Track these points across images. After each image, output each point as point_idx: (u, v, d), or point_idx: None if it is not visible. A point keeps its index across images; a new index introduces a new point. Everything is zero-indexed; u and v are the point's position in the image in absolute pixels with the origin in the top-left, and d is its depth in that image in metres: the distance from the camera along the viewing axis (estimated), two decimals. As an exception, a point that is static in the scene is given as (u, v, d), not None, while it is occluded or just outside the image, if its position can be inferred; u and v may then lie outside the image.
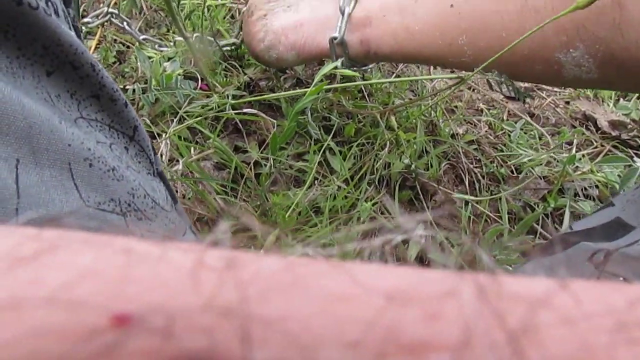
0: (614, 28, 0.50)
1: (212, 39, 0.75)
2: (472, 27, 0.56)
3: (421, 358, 0.10)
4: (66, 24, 0.33)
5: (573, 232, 0.45)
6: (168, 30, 0.83)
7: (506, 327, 0.11)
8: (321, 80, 0.61)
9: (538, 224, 0.70)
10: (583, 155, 0.79)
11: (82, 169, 0.30)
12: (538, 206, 0.72)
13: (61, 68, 0.31)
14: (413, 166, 0.70)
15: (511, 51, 0.55)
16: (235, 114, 0.69)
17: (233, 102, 0.68)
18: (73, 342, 0.10)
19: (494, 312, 0.11)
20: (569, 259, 0.42)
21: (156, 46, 0.78)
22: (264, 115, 0.68)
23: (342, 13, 0.63)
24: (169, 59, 0.75)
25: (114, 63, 0.77)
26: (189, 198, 0.63)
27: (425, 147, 0.74)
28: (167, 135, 0.69)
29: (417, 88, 0.82)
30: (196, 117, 0.69)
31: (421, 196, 0.71)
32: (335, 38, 0.63)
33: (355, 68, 0.68)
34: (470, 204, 0.71)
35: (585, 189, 0.76)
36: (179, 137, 0.68)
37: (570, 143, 0.82)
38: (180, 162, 0.65)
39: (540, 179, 0.76)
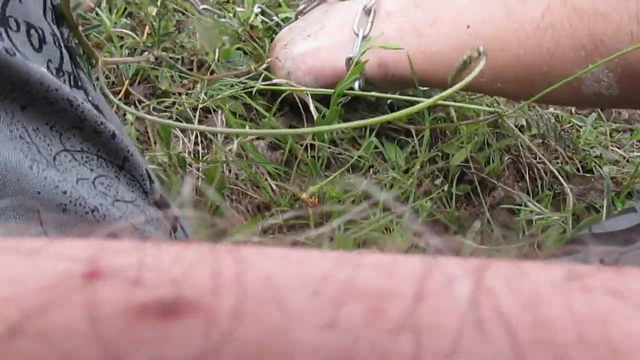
0: (632, 42, 0.49)
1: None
2: (488, 47, 0.54)
3: (379, 304, 0.11)
4: (43, 58, 0.32)
5: (592, 234, 0.45)
6: (228, 1, 0.81)
7: (461, 285, 0.11)
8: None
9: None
10: (656, 157, 0.75)
11: (53, 215, 0.29)
12: (603, 208, 0.68)
13: (34, 103, 0.30)
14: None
15: (528, 70, 0.56)
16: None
17: (281, 88, 0.66)
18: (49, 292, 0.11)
19: (447, 276, 0.12)
20: (582, 260, 0.41)
21: (215, 16, 0.76)
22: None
23: (357, 35, 0.64)
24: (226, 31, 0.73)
25: (172, 32, 0.76)
26: (242, 180, 0.62)
27: (487, 140, 0.71)
28: (221, 110, 0.68)
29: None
30: (250, 93, 0.68)
31: (479, 191, 0.68)
32: (350, 58, 0.64)
33: (373, 93, 0.67)
34: (531, 201, 0.68)
35: (656, 192, 0.71)
36: (234, 114, 0.67)
37: (643, 142, 0.77)
38: (235, 141, 0.64)
39: (609, 179, 0.72)
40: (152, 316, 0.11)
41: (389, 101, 0.71)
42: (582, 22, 0.51)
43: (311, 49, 0.67)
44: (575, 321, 0.11)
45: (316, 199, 0.60)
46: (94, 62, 0.42)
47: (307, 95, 0.63)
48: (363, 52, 0.62)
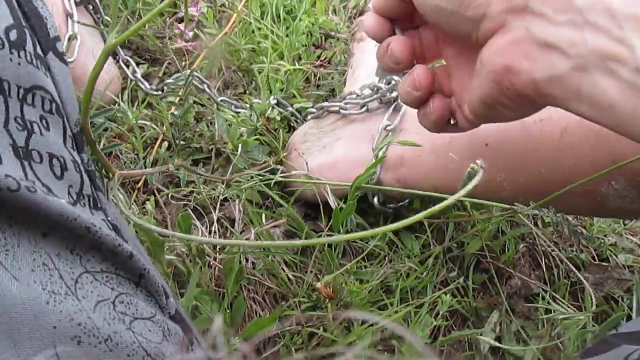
0: None
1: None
2: (508, 165, 0.55)
3: None
4: (65, 184, 0.35)
5: (618, 334, 0.44)
6: (245, 92, 0.85)
7: None
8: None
9: (623, 320, 0.65)
10: (671, 245, 0.75)
11: (69, 349, 0.30)
12: (623, 299, 0.67)
13: (55, 229, 0.32)
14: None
15: (549, 184, 0.55)
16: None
17: (295, 180, 0.67)
18: None
19: None
20: None
21: (232, 107, 0.79)
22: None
23: (376, 157, 0.64)
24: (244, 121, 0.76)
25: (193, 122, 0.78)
26: (259, 269, 0.62)
27: (500, 227, 0.71)
28: (238, 199, 0.69)
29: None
30: (266, 183, 0.69)
31: (496, 279, 0.68)
32: (372, 179, 0.64)
33: (391, 206, 0.68)
34: (548, 290, 0.68)
35: (674, 281, 0.71)
36: (250, 202, 0.68)
37: (657, 229, 0.77)
38: (253, 231, 0.65)
39: (625, 268, 0.71)
40: None
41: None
42: (601, 142, 0.51)
43: (327, 162, 0.67)
44: None
45: (331, 289, 0.60)
46: (111, 175, 0.44)
47: (326, 188, 0.64)
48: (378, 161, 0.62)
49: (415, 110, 0.48)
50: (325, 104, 0.72)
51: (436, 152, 0.61)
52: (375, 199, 0.66)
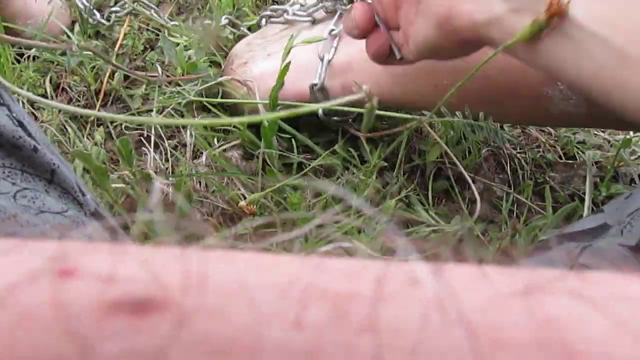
0: None
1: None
2: (456, 68, 0.54)
3: (342, 306, 0.11)
4: None
5: (564, 234, 0.46)
6: (200, 15, 0.82)
7: (423, 287, 0.12)
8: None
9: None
10: (641, 138, 0.72)
11: None
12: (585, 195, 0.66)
13: None
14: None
15: (496, 88, 0.56)
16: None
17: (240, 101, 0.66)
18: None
19: (410, 278, 0.12)
20: (551, 258, 0.43)
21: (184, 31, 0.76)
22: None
23: (322, 60, 0.62)
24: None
25: (144, 51, 0.76)
26: (213, 192, 0.62)
27: (463, 132, 0.69)
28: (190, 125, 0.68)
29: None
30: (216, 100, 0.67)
31: (457, 186, 0.67)
32: (315, 84, 0.62)
33: (335, 119, 0.66)
34: (512, 193, 0.67)
35: (644, 175, 0.69)
36: (205, 128, 0.67)
37: (627, 124, 0.75)
38: (204, 153, 0.64)
39: (593, 165, 0.70)
40: (124, 312, 0.11)
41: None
42: None
43: (272, 68, 0.64)
44: (535, 324, 0.11)
45: (254, 207, 0.59)
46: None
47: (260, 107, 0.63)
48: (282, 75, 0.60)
49: None
50: (269, 12, 0.69)
51: None
52: (320, 111, 0.64)
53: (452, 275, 0.12)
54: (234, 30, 0.75)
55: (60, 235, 0.14)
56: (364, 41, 0.61)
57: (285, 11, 0.66)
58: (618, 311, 0.12)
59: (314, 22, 0.65)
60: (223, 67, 0.71)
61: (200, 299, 0.11)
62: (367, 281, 0.12)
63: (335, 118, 0.66)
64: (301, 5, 0.65)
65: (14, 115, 0.36)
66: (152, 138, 0.66)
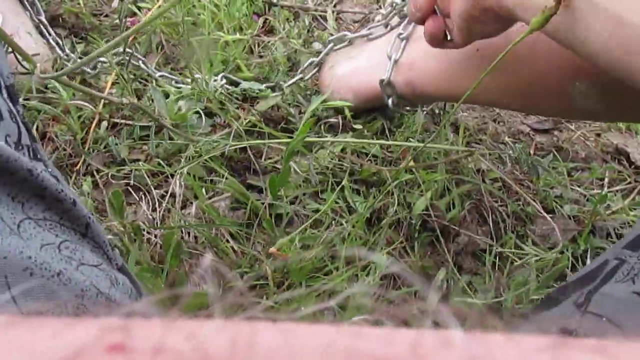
0: None
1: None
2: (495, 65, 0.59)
3: None
4: (1, 132, 0.34)
5: (570, 283, 0.48)
6: (186, 66, 0.83)
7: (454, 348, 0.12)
8: (311, 117, 0.68)
9: (568, 268, 0.66)
10: (615, 193, 0.75)
11: (21, 279, 0.29)
12: (567, 249, 0.68)
13: None
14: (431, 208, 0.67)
15: (528, 84, 0.62)
16: (244, 145, 0.67)
17: (235, 144, 0.66)
18: None
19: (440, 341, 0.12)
20: (557, 315, 0.45)
21: (173, 82, 0.77)
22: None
23: (390, 58, 0.72)
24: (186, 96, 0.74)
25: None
26: (202, 243, 0.62)
27: (447, 186, 0.71)
28: (179, 174, 0.68)
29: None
30: (209, 155, 0.68)
31: (442, 239, 0.68)
32: (383, 80, 0.72)
33: (407, 108, 0.76)
34: (494, 246, 0.68)
35: (618, 228, 0.72)
36: (193, 177, 0.67)
37: (601, 179, 0.78)
38: (194, 204, 0.64)
39: (570, 218, 0.72)
40: None
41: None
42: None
43: (351, 69, 0.77)
44: None
45: (285, 253, 0.60)
46: (32, 67, 0.44)
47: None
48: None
49: None
50: (349, 34, 0.79)
51: (438, 58, 0.69)
52: (390, 101, 0.73)
53: (484, 337, 0.13)
54: (229, 87, 0.76)
55: (107, 312, 0.14)
56: (426, 44, 0.69)
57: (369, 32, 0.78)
58: None
59: (387, 27, 0.76)
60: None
61: None
62: (404, 344, 0.13)
63: (407, 108, 0.76)
64: (382, 14, 0.77)
65: (49, 170, 0.36)
66: (142, 188, 0.65)
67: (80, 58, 0.77)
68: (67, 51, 0.75)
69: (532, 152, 0.81)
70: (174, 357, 0.12)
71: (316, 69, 0.80)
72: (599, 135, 0.85)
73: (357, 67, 0.76)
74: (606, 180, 0.77)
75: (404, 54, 0.72)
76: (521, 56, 0.61)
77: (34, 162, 0.36)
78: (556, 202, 0.74)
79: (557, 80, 0.59)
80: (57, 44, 0.75)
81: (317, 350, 0.12)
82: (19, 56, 0.54)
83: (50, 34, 0.76)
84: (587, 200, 0.74)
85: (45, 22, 0.78)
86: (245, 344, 0.12)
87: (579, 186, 0.76)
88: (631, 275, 0.40)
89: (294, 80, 0.78)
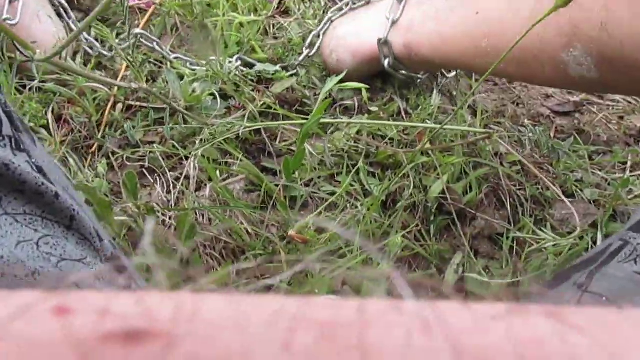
0: (602, 29, 0.54)
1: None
2: (491, 31, 0.62)
3: (328, 331, 0.12)
4: None
5: (570, 267, 0.47)
6: (197, 55, 0.82)
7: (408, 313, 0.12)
8: (326, 98, 0.66)
9: (587, 252, 0.65)
10: (638, 177, 0.74)
11: None
12: (587, 233, 0.67)
13: None
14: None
15: (522, 50, 0.60)
16: (259, 126, 0.67)
17: (249, 126, 0.66)
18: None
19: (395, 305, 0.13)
20: (560, 295, 0.45)
21: (187, 64, 0.77)
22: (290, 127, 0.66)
23: (388, 19, 0.73)
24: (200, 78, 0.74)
25: (147, 82, 0.76)
26: (215, 225, 0.62)
27: (464, 169, 0.70)
28: (193, 156, 0.67)
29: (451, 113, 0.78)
30: (224, 137, 0.67)
31: (459, 222, 0.67)
32: (380, 39, 0.72)
33: (403, 72, 0.75)
34: (512, 230, 0.67)
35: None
36: (208, 160, 0.67)
37: (624, 163, 0.76)
38: (208, 186, 0.63)
39: (590, 203, 0.71)
40: (117, 342, 0.11)
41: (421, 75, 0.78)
42: (564, 9, 0.54)
43: (352, 29, 0.77)
44: (515, 344, 0.12)
45: (305, 236, 0.60)
46: (31, 54, 0.44)
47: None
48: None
49: None
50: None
51: (438, 20, 0.68)
52: (386, 62, 0.73)
53: (437, 304, 0.13)
54: (243, 69, 0.76)
55: (58, 280, 0.14)
56: (425, 7, 0.71)
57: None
58: (596, 332, 0.12)
59: None
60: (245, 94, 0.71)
61: (190, 327, 0.12)
62: (351, 309, 0.13)
63: (402, 72, 0.75)
64: None
65: (33, 161, 0.35)
66: (157, 170, 0.65)
67: (96, 41, 0.77)
68: (85, 35, 0.75)
69: (552, 135, 0.79)
70: (119, 320, 0.12)
71: (320, 41, 0.79)
72: (621, 118, 0.83)
73: (358, 28, 0.77)
74: (629, 164, 0.75)
75: (402, 15, 0.73)
76: (521, 21, 0.61)
77: (17, 153, 0.35)
78: (576, 186, 0.72)
79: (552, 48, 0.59)
80: (75, 26, 0.75)
81: (263, 317, 0.12)
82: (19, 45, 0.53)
83: (70, 17, 0.76)
84: (609, 184, 0.73)
85: (66, 4, 0.78)
86: (190, 310, 0.12)
87: (600, 170, 0.74)
88: (634, 256, 0.39)
89: (302, 57, 0.77)
